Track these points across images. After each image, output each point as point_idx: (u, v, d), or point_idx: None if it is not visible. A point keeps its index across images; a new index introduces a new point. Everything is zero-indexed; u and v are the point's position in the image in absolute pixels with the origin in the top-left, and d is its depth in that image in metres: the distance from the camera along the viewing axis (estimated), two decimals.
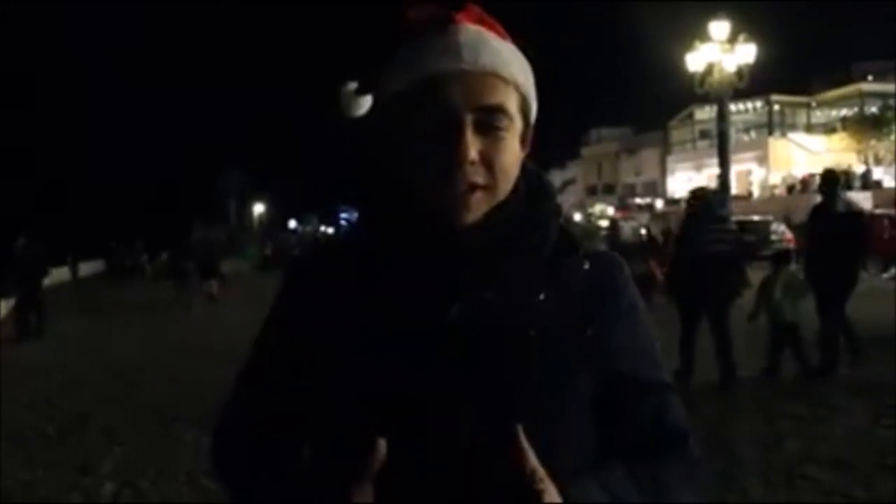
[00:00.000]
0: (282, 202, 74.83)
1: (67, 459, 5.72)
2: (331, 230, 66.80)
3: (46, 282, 14.65)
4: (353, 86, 1.10)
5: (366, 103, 1.10)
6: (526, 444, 0.89)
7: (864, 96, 43.26)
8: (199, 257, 20.18)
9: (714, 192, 8.74)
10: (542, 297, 1.04)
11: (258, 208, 65.82)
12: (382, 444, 0.91)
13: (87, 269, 35.94)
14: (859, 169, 38.44)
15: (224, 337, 11.25)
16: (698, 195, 7.80)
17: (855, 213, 7.90)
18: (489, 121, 0.99)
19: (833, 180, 7.78)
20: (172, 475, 5.14)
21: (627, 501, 0.98)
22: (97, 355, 11.09)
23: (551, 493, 0.88)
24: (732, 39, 17.73)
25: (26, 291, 13.54)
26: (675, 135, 54.24)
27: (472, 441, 0.95)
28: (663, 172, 53.94)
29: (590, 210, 54.78)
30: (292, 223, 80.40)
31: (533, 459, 0.89)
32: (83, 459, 5.67)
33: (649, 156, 55.90)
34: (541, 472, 0.88)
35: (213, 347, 10.20)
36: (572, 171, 65.51)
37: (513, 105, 1.02)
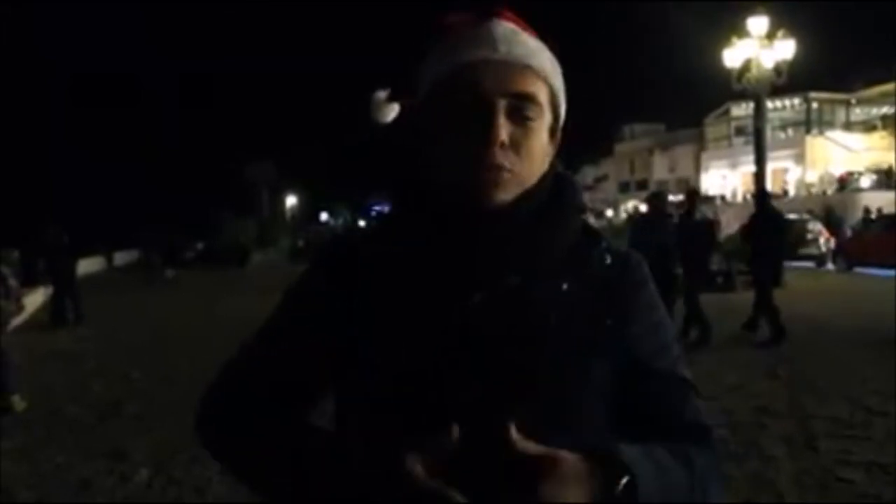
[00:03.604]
0: (314, 194, 75.27)
1: (102, 445, 5.81)
2: (362, 223, 67.01)
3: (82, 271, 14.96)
4: (383, 93, 1.17)
5: (395, 110, 1.17)
6: (516, 437, 0.88)
7: None
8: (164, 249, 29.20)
9: (665, 195, 11.20)
10: (564, 286, 1.06)
11: (290, 200, 66.24)
12: (455, 430, 0.90)
13: (121, 258, 36.46)
14: None
15: (255, 326, 11.35)
16: (654, 199, 10.15)
17: (707, 221, 10.76)
18: (520, 108, 1.04)
19: (693, 196, 10.68)
20: (204, 463, 5.19)
21: (672, 473, 0.98)
22: (128, 342, 11.26)
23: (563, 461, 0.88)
24: (771, 35, 17.47)
25: (61, 279, 13.76)
26: (711, 131, 53.52)
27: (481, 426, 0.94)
28: (697, 169, 53.31)
29: (622, 207, 54.44)
30: (324, 216, 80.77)
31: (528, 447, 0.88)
32: (117, 445, 5.76)
33: (684, 153, 55.26)
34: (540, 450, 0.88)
35: (242, 336, 10.29)
36: (605, 167, 65.11)
37: (543, 96, 1.07)
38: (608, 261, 1.12)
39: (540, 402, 0.99)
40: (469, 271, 1.04)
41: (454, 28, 1.08)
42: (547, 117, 1.08)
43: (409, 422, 0.98)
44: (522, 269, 1.05)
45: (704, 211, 11.63)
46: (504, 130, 1.01)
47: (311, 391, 1.12)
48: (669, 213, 10.59)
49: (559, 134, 1.13)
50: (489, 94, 1.02)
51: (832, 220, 27.49)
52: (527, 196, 1.06)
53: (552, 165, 1.13)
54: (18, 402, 7.04)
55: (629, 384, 1.07)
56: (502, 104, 1.02)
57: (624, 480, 0.90)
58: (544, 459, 0.87)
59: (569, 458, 0.88)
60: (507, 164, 1.02)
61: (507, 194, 1.03)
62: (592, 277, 1.09)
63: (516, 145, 1.03)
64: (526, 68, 1.04)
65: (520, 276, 1.05)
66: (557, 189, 1.12)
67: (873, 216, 26.36)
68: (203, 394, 1.17)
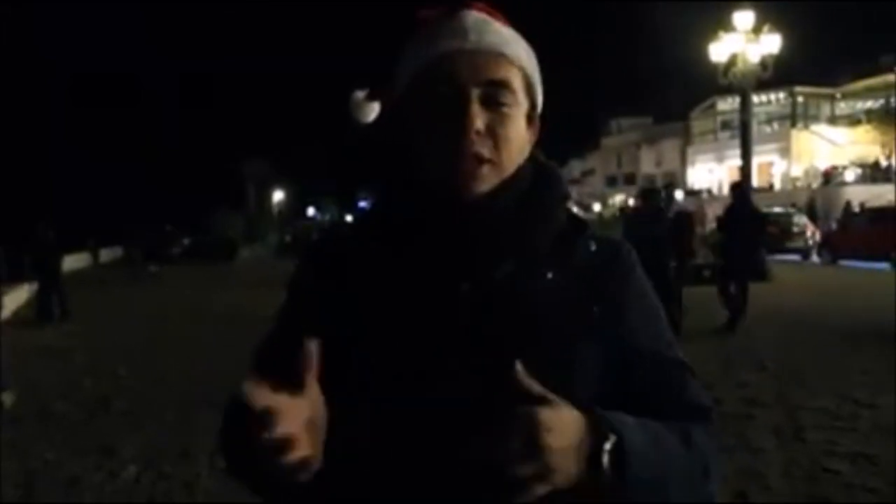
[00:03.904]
0: (301, 190, 75.02)
1: (91, 441, 5.78)
2: (349, 218, 66.85)
3: (65, 267, 14.89)
4: (362, 93, 1.17)
5: (375, 109, 1.17)
6: (522, 374, 0.88)
7: (890, 88, 42.64)
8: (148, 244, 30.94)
9: (659, 191, 11.41)
10: (549, 275, 1.07)
11: (277, 195, 66.01)
12: (312, 346, 0.88)
13: (107, 255, 36.23)
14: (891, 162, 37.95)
15: (242, 321, 11.31)
16: (648, 193, 10.70)
17: (685, 213, 11.22)
18: (494, 95, 1.04)
19: (670, 188, 11.48)
20: (194, 459, 5.18)
21: (669, 447, 0.98)
22: (115, 338, 11.21)
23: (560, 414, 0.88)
24: (757, 29, 17.53)
25: (47, 275, 13.68)
26: (697, 125, 53.84)
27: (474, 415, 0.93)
28: (684, 163, 53.59)
29: (609, 200, 54.62)
30: (311, 211, 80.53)
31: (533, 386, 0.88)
32: (106, 442, 5.73)
33: (670, 146, 55.57)
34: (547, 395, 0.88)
35: (231, 332, 10.26)
36: (592, 161, 65.30)
37: (517, 83, 1.07)
38: (593, 248, 1.12)
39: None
40: (453, 263, 1.04)
41: (427, 21, 1.09)
42: (523, 104, 1.08)
43: (401, 414, 0.99)
44: (507, 259, 1.05)
45: (684, 204, 12.18)
46: (479, 119, 1.02)
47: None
48: (662, 206, 10.78)
49: (537, 121, 1.13)
50: (462, 84, 1.03)
51: (813, 214, 27.76)
52: (507, 185, 1.06)
53: (532, 153, 1.13)
54: (8, 398, 7.00)
55: (624, 371, 1.07)
56: (476, 93, 1.03)
57: (610, 442, 0.90)
58: (547, 401, 0.87)
59: (569, 407, 0.89)
60: (484, 152, 1.03)
61: (486, 183, 1.04)
62: (578, 266, 1.09)
63: (493, 133, 1.03)
64: (498, 56, 1.05)
65: (505, 266, 1.05)
66: (540, 178, 1.12)
67: (855, 210, 26.58)
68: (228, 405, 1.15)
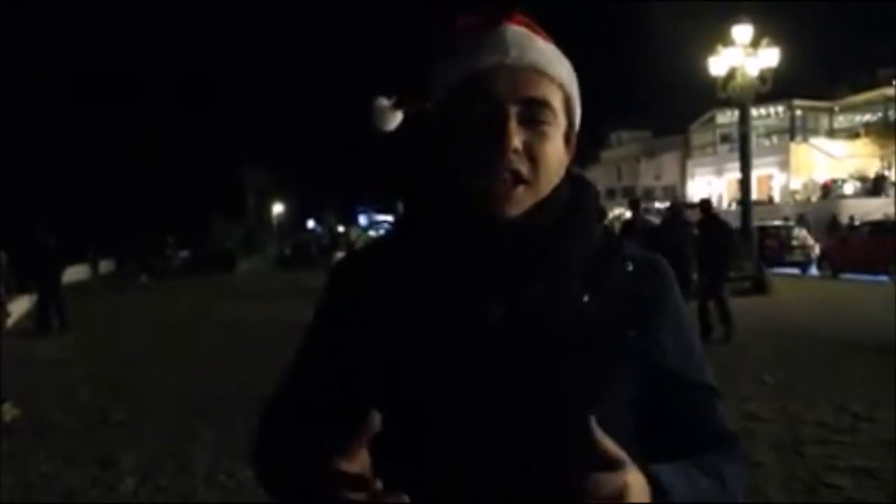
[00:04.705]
0: (301, 201, 74.87)
1: (88, 453, 5.76)
2: (341, 228, 66.71)
3: (65, 278, 14.85)
4: (386, 101, 1.14)
5: (398, 118, 1.15)
6: (600, 433, 0.88)
7: (889, 101, 42.76)
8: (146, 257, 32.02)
9: (683, 206, 12.88)
10: (585, 298, 1.04)
11: (277, 207, 65.93)
12: (375, 415, 0.90)
13: (107, 266, 36.18)
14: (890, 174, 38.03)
15: (242, 333, 11.31)
16: (675, 208, 11.99)
17: (653, 228, 12.19)
18: (533, 114, 1.02)
19: (636, 205, 13.25)
20: (192, 472, 5.16)
21: (706, 492, 1.00)
22: (114, 349, 11.17)
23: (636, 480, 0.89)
24: (756, 43, 17.61)
25: (46, 286, 13.65)
26: (696, 139, 53.87)
27: (514, 440, 0.95)
28: (683, 176, 53.60)
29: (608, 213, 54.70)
30: (310, 223, 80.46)
31: (612, 445, 0.89)
32: (104, 454, 5.71)
33: (669, 160, 55.54)
34: (622, 456, 0.89)
35: (230, 343, 10.24)
36: (591, 174, 65.31)
37: (557, 101, 1.05)
38: (630, 268, 1.09)
39: (566, 420, 0.96)
40: (486, 285, 1.01)
41: (466, 33, 1.06)
42: (562, 123, 1.06)
43: (435, 442, 0.98)
44: (543, 280, 1.02)
45: (650, 219, 14.02)
46: (517, 137, 0.99)
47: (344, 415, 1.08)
48: (688, 220, 11.13)
49: (574, 140, 1.11)
50: (501, 101, 1.00)
51: (807, 229, 27.85)
52: (543, 205, 1.03)
53: (568, 172, 1.10)
54: (9, 410, 6.97)
55: (656, 392, 1.06)
56: (514, 110, 1.00)
57: None
58: (619, 462, 0.88)
59: (638, 471, 0.90)
60: (522, 170, 1.00)
61: (521, 204, 1.01)
62: (615, 288, 1.06)
63: (531, 152, 1.00)
64: (539, 73, 1.02)
65: (540, 287, 1.02)
66: (575, 195, 1.09)
67: (843, 224, 26.67)
68: (261, 422, 1.16)
